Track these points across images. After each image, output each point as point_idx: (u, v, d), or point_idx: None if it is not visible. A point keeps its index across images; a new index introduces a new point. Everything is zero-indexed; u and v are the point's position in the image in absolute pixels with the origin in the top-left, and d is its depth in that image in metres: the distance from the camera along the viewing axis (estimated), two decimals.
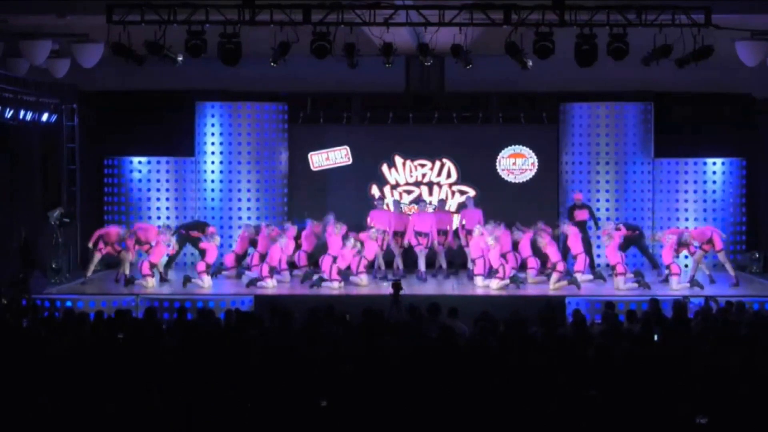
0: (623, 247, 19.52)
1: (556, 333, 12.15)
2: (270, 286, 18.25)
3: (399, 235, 19.60)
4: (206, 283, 18.37)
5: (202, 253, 19.25)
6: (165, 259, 19.62)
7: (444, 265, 19.61)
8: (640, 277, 18.18)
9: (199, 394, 9.32)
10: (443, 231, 19.54)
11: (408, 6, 15.82)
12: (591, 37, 15.72)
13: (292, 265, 19.42)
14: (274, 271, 18.47)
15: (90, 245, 18.90)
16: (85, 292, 18.03)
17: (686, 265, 19.17)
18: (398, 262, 19.64)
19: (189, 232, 20.12)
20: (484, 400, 9.15)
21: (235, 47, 15.78)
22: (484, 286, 18.20)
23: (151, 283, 18.37)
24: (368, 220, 19.91)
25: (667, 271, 18.26)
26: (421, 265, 19.27)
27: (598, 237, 19.46)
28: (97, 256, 18.98)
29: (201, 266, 18.59)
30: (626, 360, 10.31)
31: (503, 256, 18.55)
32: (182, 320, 13.53)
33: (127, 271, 18.78)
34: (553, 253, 18.57)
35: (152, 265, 18.50)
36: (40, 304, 16.62)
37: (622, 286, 17.94)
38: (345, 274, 18.39)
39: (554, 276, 18.26)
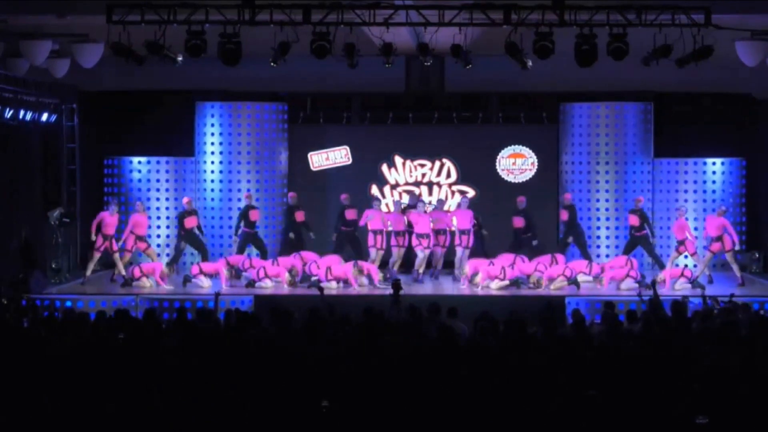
0: (628, 248, 19.56)
1: (555, 333, 12.15)
2: (270, 286, 18.26)
3: (398, 234, 19.56)
4: (206, 283, 18.38)
5: (203, 253, 19.29)
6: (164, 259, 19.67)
7: (440, 266, 19.59)
8: (640, 277, 18.20)
9: (199, 394, 9.32)
10: (442, 231, 19.51)
11: (408, 6, 15.81)
12: (591, 37, 15.71)
13: None
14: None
15: (92, 236, 18.86)
16: (85, 292, 18.06)
17: (686, 265, 19.15)
18: (396, 262, 19.62)
19: (183, 222, 19.83)
20: (484, 400, 9.15)
21: (235, 47, 15.77)
22: (484, 286, 18.22)
23: (149, 283, 18.37)
24: (362, 218, 19.77)
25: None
26: (419, 266, 19.24)
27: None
28: (96, 256, 18.98)
29: (207, 267, 18.65)
30: (626, 360, 10.31)
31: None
32: (182, 320, 13.52)
33: (123, 272, 18.77)
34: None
35: (144, 273, 18.46)
36: (40, 304, 16.61)
37: (622, 286, 17.95)
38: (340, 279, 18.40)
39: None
